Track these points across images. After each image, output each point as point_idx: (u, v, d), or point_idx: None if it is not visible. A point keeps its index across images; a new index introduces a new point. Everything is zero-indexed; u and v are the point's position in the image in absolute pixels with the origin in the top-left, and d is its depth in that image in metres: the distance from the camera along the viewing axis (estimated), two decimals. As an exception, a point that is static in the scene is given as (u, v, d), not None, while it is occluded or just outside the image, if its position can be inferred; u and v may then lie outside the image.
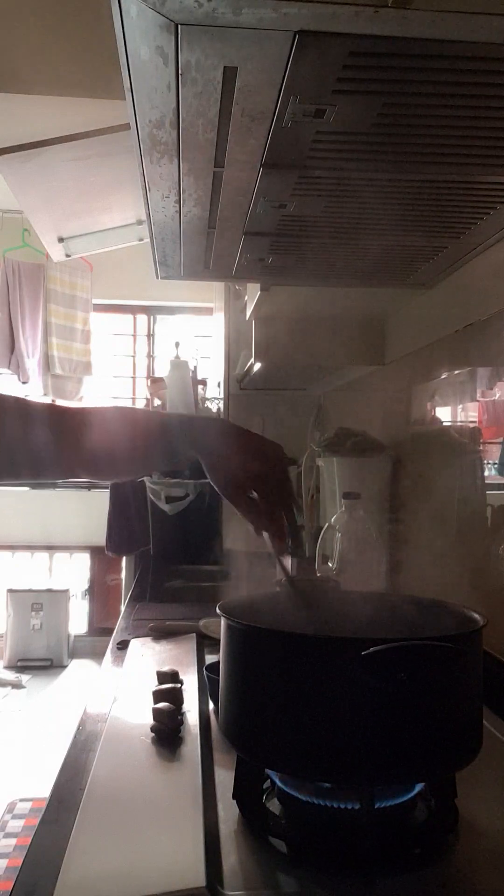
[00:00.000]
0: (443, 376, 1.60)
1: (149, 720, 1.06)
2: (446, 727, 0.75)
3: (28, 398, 0.98)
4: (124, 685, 1.27)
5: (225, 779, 0.88)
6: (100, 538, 3.23)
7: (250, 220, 1.10)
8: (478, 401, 1.44)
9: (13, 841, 2.61)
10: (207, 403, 3.41)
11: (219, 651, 0.87)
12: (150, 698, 1.12)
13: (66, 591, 4.80)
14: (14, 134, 2.86)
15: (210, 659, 1.39)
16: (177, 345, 3.44)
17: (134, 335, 5.53)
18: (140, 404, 4.80)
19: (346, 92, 0.74)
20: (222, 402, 3.03)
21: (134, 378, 5.50)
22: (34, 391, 5.09)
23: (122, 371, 5.50)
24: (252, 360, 2.09)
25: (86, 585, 5.07)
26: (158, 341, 5.52)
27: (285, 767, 0.78)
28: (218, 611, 0.84)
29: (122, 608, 2.05)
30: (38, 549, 5.02)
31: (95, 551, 4.88)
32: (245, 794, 0.83)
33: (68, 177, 3.03)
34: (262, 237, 1.18)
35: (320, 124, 0.80)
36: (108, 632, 1.86)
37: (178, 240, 1.21)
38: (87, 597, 5.02)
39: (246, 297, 2.04)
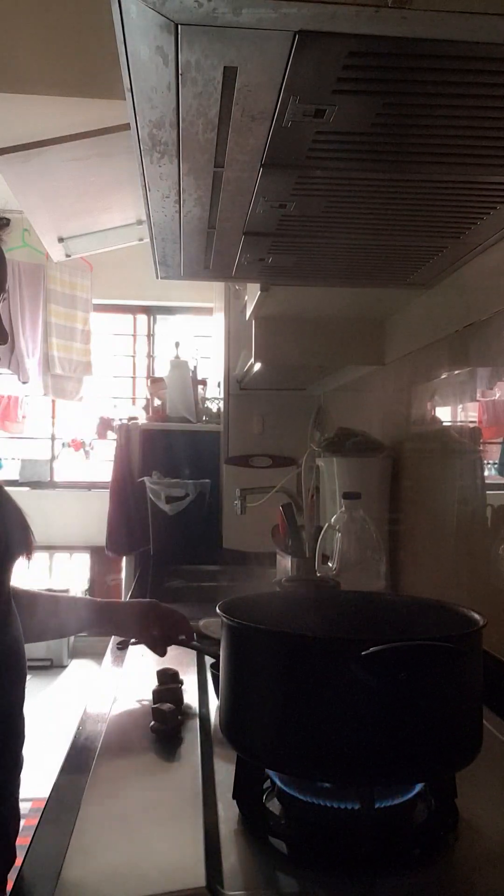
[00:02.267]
0: (443, 376, 1.59)
1: (149, 720, 1.06)
2: (446, 727, 0.75)
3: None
4: (124, 685, 1.27)
5: (225, 779, 0.88)
6: (100, 538, 3.23)
7: (250, 220, 1.10)
8: (478, 401, 1.44)
9: (13, 841, 2.61)
10: (207, 403, 3.41)
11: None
12: (150, 698, 1.12)
13: (66, 592, 4.80)
14: (14, 134, 2.86)
15: (210, 659, 1.39)
16: (177, 345, 3.44)
17: (134, 335, 5.54)
18: (140, 404, 4.79)
19: (346, 92, 0.74)
20: (222, 402, 3.03)
21: (134, 378, 5.51)
22: (34, 391, 5.09)
23: (122, 371, 5.50)
24: (252, 360, 2.09)
25: (86, 585, 5.07)
26: (158, 341, 5.52)
27: (285, 767, 0.78)
28: (218, 611, 0.84)
29: (122, 608, 2.04)
30: (38, 549, 4.99)
31: (95, 551, 4.88)
32: (245, 794, 0.83)
33: (68, 177, 3.04)
34: (262, 237, 1.18)
35: (320, 124, 0.80)
36: (108, 632, 1.86)
37: (178, 240, 1.21)
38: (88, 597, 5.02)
39: (246, 297, 2.03)
